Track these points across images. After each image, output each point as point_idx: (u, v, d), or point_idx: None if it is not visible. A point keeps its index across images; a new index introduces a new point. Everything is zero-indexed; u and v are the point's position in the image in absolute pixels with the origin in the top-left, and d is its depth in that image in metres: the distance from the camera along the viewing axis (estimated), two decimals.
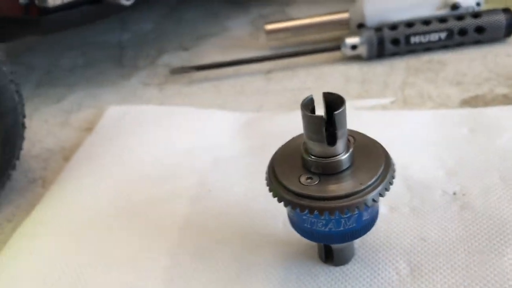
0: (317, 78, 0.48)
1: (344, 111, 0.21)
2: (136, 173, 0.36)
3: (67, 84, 0.54)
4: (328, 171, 0.23)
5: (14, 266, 0.30)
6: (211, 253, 0.29)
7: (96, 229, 0.32)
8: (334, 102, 0.22)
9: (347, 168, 0.23)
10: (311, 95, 0.23)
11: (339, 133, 0.22)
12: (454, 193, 0.31)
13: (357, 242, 0.28)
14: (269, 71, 0.50)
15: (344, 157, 0.23)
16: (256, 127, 0.40)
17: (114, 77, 0.54)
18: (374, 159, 0.23)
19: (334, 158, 0.22)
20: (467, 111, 0.38)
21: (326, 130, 0.22)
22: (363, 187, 0.22)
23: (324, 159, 0.22)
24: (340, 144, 0.22)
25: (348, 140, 0.23)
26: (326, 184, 0.22)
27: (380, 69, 0.47)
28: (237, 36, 0.60)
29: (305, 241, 0.27)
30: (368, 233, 0.25)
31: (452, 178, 0.32)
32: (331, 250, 0.27)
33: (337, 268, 0.27)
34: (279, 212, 0.27)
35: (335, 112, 0.21)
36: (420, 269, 0.27)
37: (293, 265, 0.28)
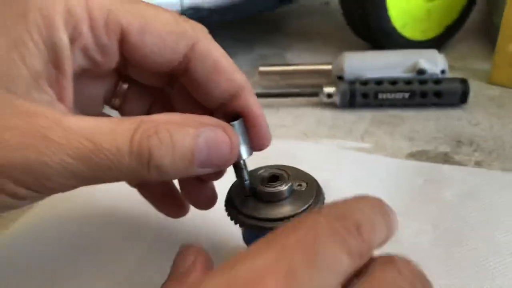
0: (295, 118, 0.56)
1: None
2: None
3: None
4: (270, 199, 0.28)
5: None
6: None
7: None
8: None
9: (285, 198, 0.28)
10: None
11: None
12: None
13: None
14: None
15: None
16: None
17: None
18: (307, 191, 0.28)
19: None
20: (423, 164, 0.46)
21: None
22: (287, 214, 0.27)
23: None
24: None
25: (285, 175, 0.29)
26: (266, 208, 0.27)
27: (349, 117, 0.55)
28: None
29: None
30: None
31: None
32: None
33: None
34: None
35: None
36: None
37: None
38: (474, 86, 0.58)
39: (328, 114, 0.56)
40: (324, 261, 0.16)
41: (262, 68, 0.61)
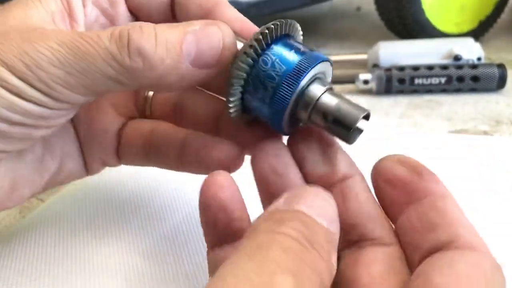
0: None
1: None
2: None
3: None
4: None
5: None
6: None
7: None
8: None
9: None
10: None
11: None
12: None
13: None
14: None
15: None
16: None
17: None
18: None
19: None
20: (458, 135, 0.47)
21: None
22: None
23: None
24: None
25: None
26: None
27: (385, 102, 0.56)
28: None
29: None
30: None
31: None
32: None
33: None
34: None
35: None
36: None
37: None
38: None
39: (364, 100, 0.57)
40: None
41: None
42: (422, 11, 0.64)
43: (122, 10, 0.28)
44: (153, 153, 0.31)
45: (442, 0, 0.65)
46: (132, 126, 0.32)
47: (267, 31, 0.23)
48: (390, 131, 0.48)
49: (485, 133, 0.48)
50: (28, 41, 0.22)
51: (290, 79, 0.23)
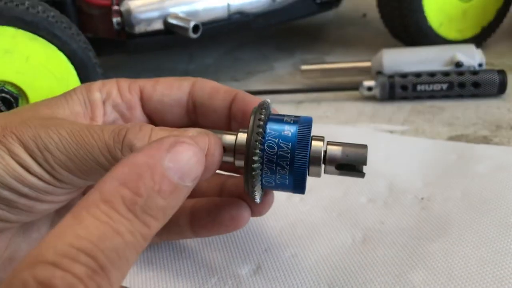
0: (336, 110, 0.59)
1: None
2: None
3: None
4: None
5: None
6: None
7: None
8: None
9: None
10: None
11: None
12: (422, 198, 0.40)
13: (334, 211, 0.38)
14: (300, 102, 0.62)
15: None
16: None
17: None
18: None
19: None
20: (457, 144, 0.48)
21: None
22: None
23: None
24: None
25: None
26: None
27: (389, 108, 0.58)
28: (280, 74, 0.72)
29: None
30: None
31: (426, 188, 0.41)
32: None
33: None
34: None
35: None
36: (370, 240, 0.36)
37: None
38: None
39: (368, 106, 0.59)
40: None
41: (304, 67, 0.65)
42: (425, 19, 0.66)
43: (138, 113, 0.32)
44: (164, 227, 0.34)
45: (444, 7, 0.66)
46: None
47: (262, 116, 0.26)
48: (387, 138, 0.50)
49: (485, 138, 0.49)
50: (45, 127, 0.25)
51: (300, 151, 0.26)
